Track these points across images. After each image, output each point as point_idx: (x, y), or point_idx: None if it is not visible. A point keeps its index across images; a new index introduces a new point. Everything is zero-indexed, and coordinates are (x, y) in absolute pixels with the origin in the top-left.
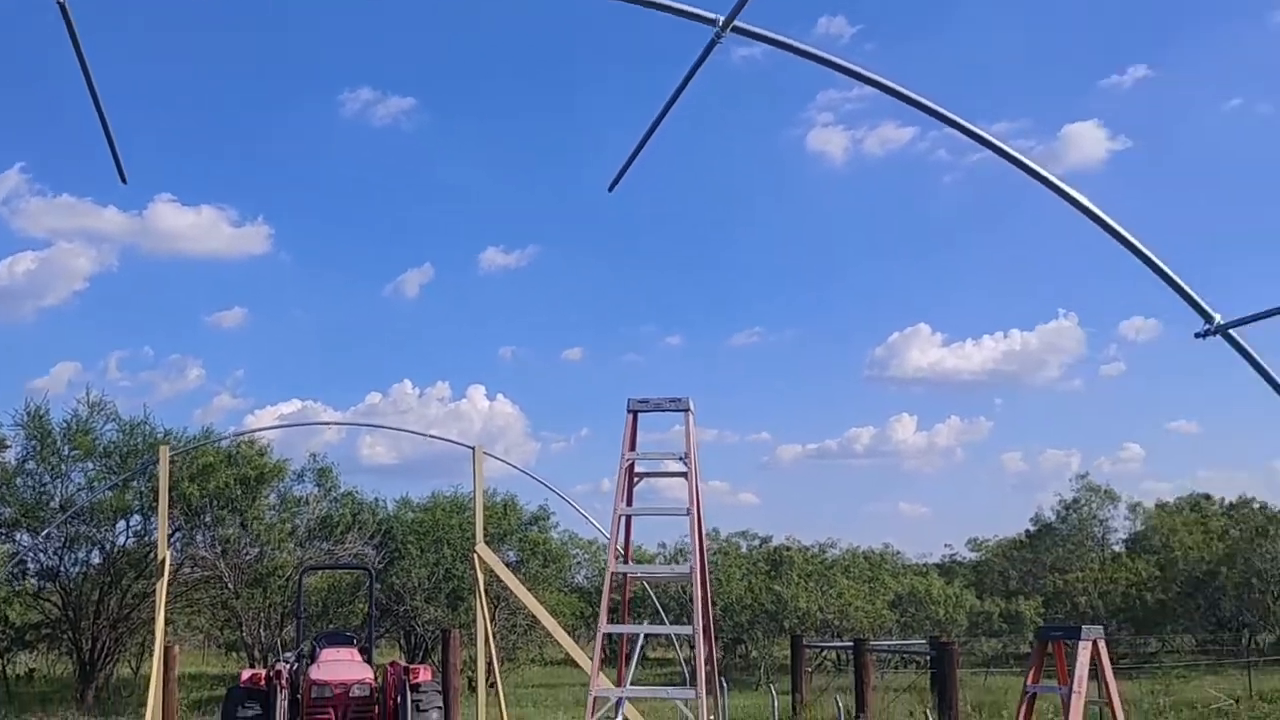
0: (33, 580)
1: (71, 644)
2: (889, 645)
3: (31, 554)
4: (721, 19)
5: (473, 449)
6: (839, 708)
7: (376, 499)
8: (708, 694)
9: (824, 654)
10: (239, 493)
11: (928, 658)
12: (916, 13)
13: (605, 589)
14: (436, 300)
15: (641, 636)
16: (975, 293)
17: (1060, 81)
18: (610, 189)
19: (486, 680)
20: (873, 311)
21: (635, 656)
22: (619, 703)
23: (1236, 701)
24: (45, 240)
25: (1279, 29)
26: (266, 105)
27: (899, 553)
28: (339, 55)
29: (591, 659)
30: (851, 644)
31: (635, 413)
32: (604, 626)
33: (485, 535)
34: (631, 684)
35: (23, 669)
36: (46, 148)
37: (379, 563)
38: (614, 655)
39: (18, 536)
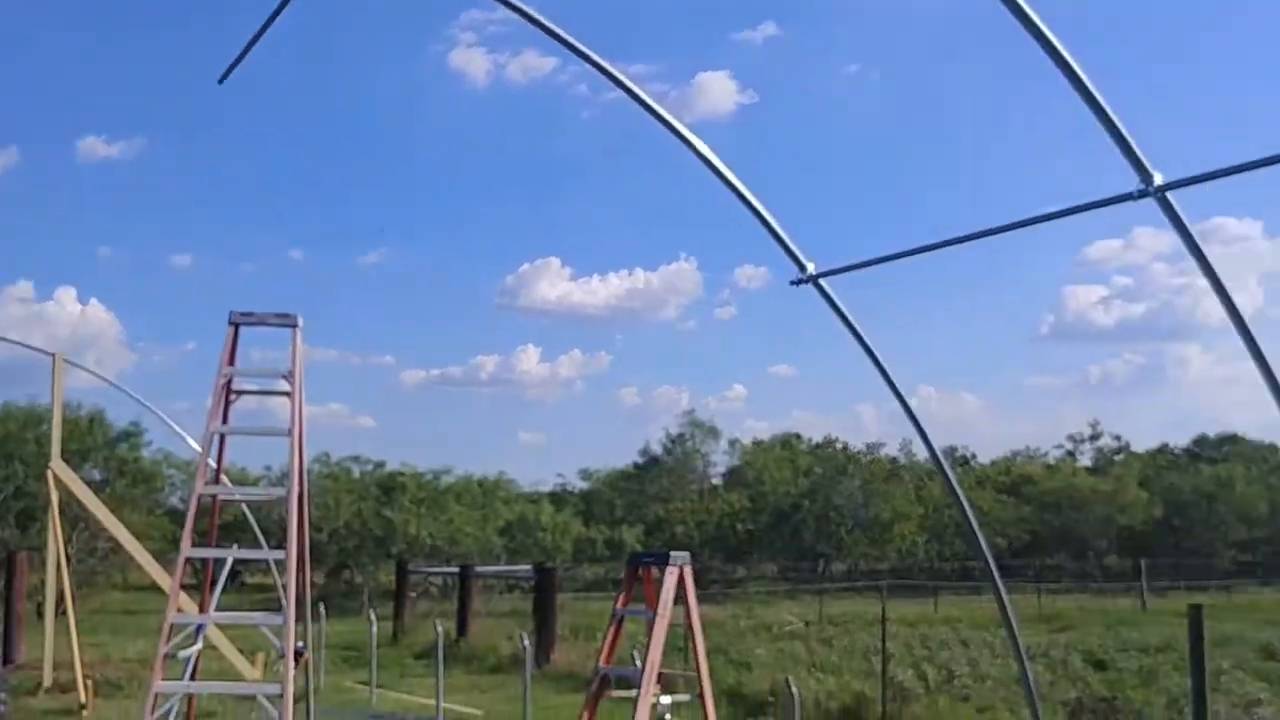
0: None
1: None
2: (494, 570)
3: None
4: None
5: (52, 356)
6: (438, 632)
7: None
8: (297, 620)
9: (429, 580)
10: None
11: (531, 583)
12: None
13: (191, 511)
14: (21, 188)
15: (230, 561)
16: (605, 231)
17: (698, 30)
18: (220, 81)
19: (57, 607)
20: (505, 241)
21: (221, 581)
22: (199, 628)
23: (807, 624)
24: None
25: (898, 3)
26: None
27: (513, 480)
28: None
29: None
30: (458, 570)
31: (237, 325)
32: (186, 550)
33: (66, 452)
34: (218, 610)
35: None
36: None
37: None
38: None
39: None
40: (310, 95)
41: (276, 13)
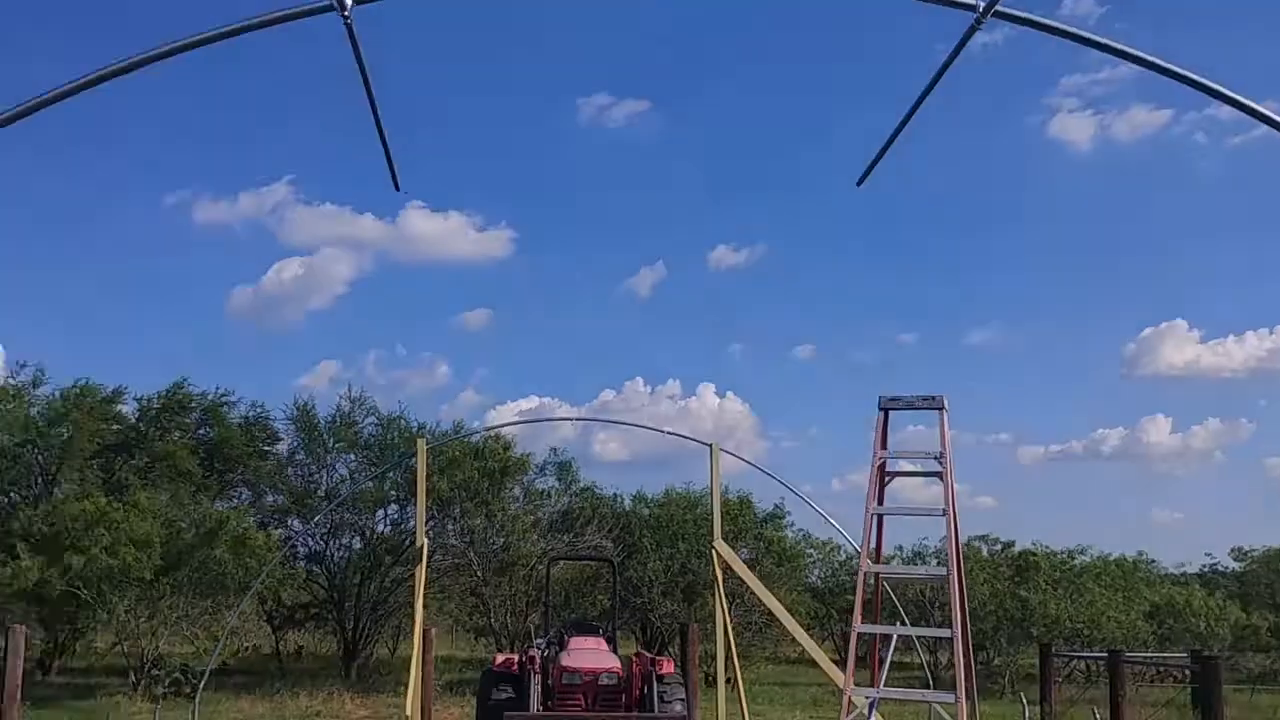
0: (302, 564)
1: (336, 624)
2: (1146, 657)
3: (301, 539)
4: (983, 3)
5: (710, 445)
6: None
7: (615, 494)
8: (966, 699)
9: (1072, 664)
10: (485, 485)
11: (1186, 672)
12: None
13: (859, 588)
14: (667, 298)
15: (895, 638)
16: (1235, 287)
17: None
18: (859, 184)
19: (725, 675)
20: (1120, 307)
21: (889, 658)
22: (873, 703)
23: None
24: (310, 248)
25: None
26: (507, 114)
27: (1154, 561)
28: (574, 63)
29: (835, 659)
30: (1105, 654)
31: (887, 410)
32: (858, 626)
33: (721, 532)
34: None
35: (293, 646)
36: (311, 161)
37: (618, 555)
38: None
39: (289, 522)
40: (913, 184)
41: (910, 114)
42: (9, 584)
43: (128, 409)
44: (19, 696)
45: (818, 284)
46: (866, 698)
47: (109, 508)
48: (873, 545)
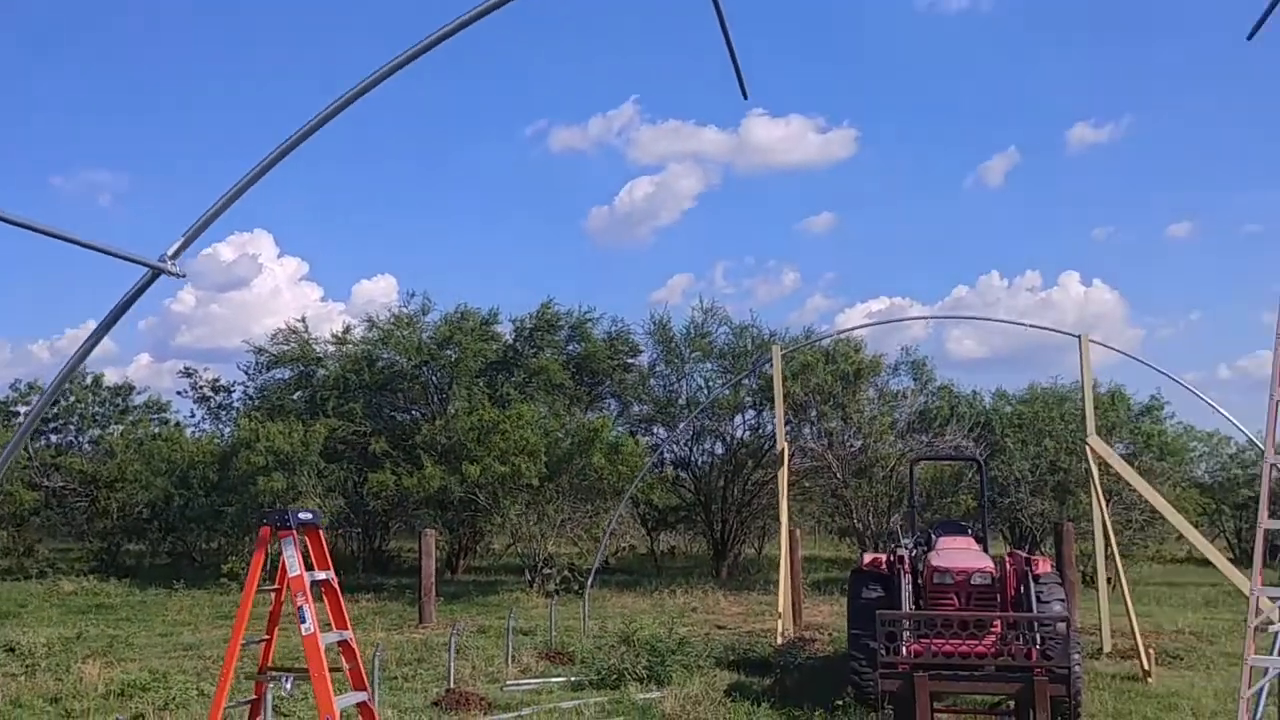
0: (670, 469)
1: (705, 525)
2: None
3: (667, 445)
4: None
5: (1078, 337)
6: None
7: (974, 392)
8: None
9: None
10: (839, 388)
11: None
12: None
13: (1265, 480)
14: (1022, 186)
15: None
16: None
17: None
18: (1249, 37)
19: (1106, 575)
20: None
21: None
22: None
23: None
24: (657, 166)
25: None
26: (842, 8)
27: None
28: None
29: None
30: None
31: None
32: (1264, 522)
33: (1094, 427)
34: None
35: (665, 546)
36: (654, 79)
37: (981, 455)
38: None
39: (655, 430)
40: None
41: None
42: (417, 491)
43: (503, 329)
44: (434, 592)
45: (1195, 153)
46: (1275, 599)
47: (501, 418)
48: (1279, 434)
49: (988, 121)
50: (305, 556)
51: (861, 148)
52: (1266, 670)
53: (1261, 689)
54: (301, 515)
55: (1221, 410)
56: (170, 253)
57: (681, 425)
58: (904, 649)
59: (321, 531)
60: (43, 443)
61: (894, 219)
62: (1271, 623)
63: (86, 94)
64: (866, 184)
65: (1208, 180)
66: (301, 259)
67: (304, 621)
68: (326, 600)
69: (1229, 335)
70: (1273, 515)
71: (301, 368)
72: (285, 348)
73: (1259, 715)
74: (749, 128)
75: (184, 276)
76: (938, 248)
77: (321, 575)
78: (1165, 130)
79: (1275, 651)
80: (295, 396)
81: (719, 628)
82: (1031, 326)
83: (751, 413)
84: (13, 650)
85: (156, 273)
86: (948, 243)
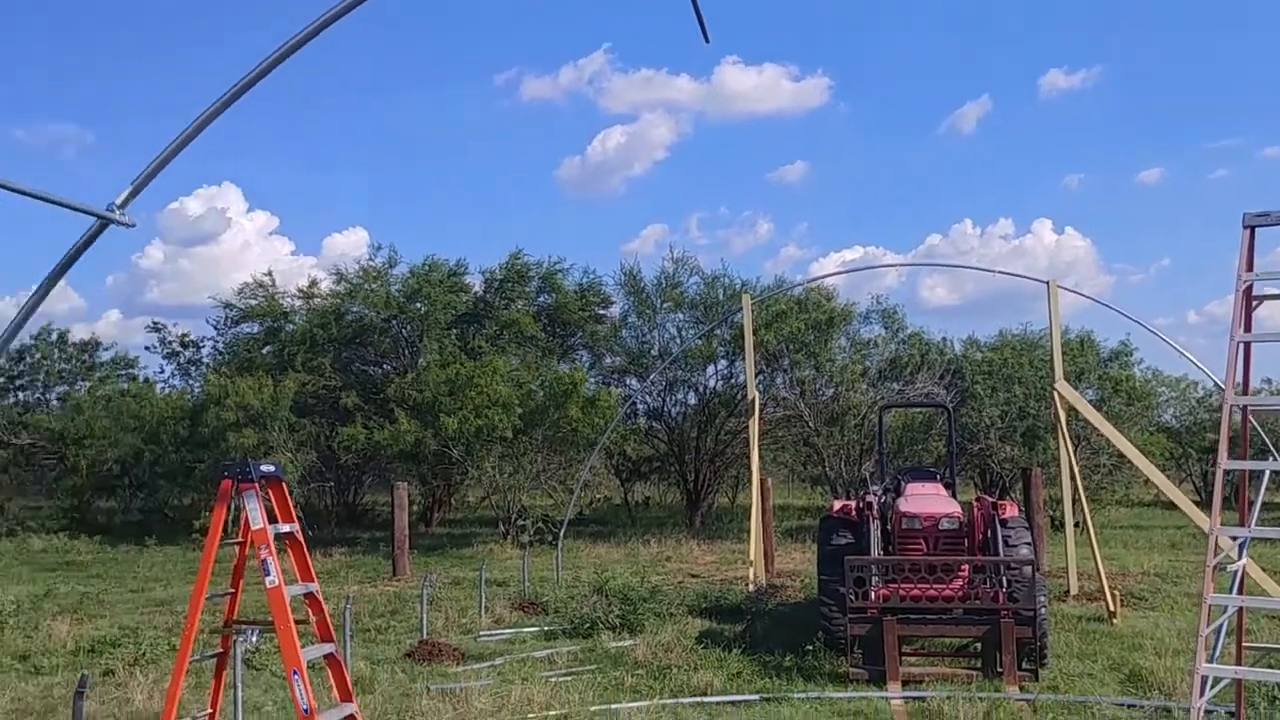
0: (643, 419)
1: (678, 475)
2: None
3: (639, 396)
4: None
5: (1046, 283)
6: None
7: (944, 339)
8: None
9: None
10: (811, 337)
11: None
12: None
13: (1224, 423)
14: (995, 133)
15: (1266, 475)
16: None
17: None
18: None
19: (1074, 519)
20: None
21: (1259, 497)
22: (1243, 544)
23: None
24: (630, 115)
25: None
26: None
27: None
28: None
29: (1196, 501)
30: None
31: (1253, 228)
32: (1224, 462)
33: (1062, 373)
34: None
35: (639, 496)
36: (626, 27)
37: (950, 401)
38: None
39: (628, 381)
40: None
41: None
42: (390, 445)
43: (473, 280)
44: (407, 545)
45: (1166, 99)
46: (1235, 538)
47: (475, 370)
48: (1239, 376)
49: (961, 69)
50: (269, 510)
51: (834, 96)
52: (1225, 608)
53: (1220, 626)
54: (263, 468)
55: (1188, 355)
56: (119, 201)
57: (653, 376)
58: (873, 594)
59: (285, 484)
60: (10, 400)
61: (867, 168)
62: (1231, 561)
63: (48, 48)
64: (840, 132)
65: (1178, 126)
66: (271, 213)
67: (268, 574)
68: (291, 553)
69: (1198, 281)
70: (1233, 456)
71: (270, 322)
72: (253, 302)
73: (1217, 653)
74: (722, 76)
75: (134, 225)
76: (911, 197)
77: (285, 528)
78: (1137, 76)
79: (1234, 590)
80: (264, 351)
81: (692, 576)
82: (1001, 273)
83: (724, 362)
84: None
85: (105, 223)
86: (921, 192)
